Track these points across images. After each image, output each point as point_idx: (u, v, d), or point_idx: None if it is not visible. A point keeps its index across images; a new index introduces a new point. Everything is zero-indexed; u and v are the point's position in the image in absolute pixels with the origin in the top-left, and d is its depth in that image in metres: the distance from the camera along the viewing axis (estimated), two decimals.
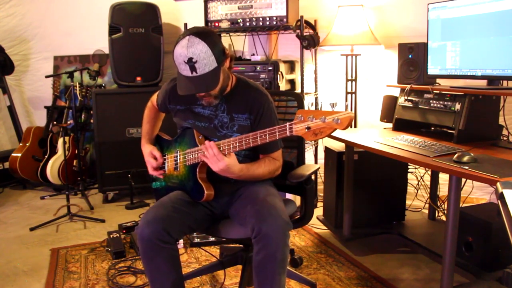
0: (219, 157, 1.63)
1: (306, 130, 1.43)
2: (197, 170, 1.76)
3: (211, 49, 1.60)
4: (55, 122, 4.00)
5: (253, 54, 3.55)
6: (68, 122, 3.76)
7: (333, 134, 2.49)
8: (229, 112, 1.80)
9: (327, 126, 1.40)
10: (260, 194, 1.71)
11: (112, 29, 3.57)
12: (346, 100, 3.30)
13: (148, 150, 1.94)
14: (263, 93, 1.83)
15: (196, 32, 1.62)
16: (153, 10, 3.63)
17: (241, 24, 3.19)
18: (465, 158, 1.80)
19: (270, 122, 1.77)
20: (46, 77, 3.74)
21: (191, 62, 1.59)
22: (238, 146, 1.63)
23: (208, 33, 1.64)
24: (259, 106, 1.78)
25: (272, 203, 1.64)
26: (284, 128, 1.50)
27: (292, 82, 3.39)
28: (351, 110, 3.31)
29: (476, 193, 2.89)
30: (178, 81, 1.68)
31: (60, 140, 3.78)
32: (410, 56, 2.63)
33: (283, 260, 1.57)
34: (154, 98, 2.06)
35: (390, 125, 2.70)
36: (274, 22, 3.09)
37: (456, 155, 1.84)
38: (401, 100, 2.61)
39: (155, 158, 1.93)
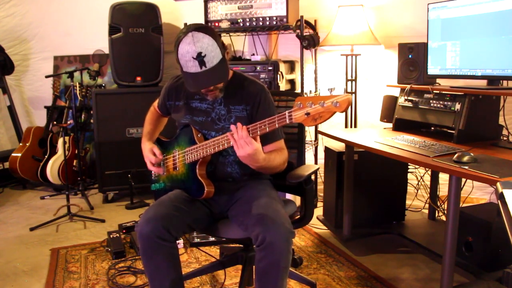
0: (247, 140, 1.53)
1: (306, 116, 1.43)
2: (197, 167, 1.77)
3: (215, 41, 1.62)
4: (55, 122, 4.01)
5: (253, 54, 3.54)
6: (68, 122, 3.76)
7: (333, 134, 2.54)
8: (226, 104, 1.81)
9: (326, 110, 1.39)
10: (261, 199, 1.70)
11: (112, 29, 3.56)
12: None
13: (149, 147, 1.93)
14: (258, 84, 1.84)
15: (196, 28, 1.63)
16: (153, 10, 3.63)
17: (241, 24, 3.19)
18: (465, 158, 1.80)
19: (269, 112, 1.77)
20: (46, 77, 3.75)
21: (200, 57, 1.59)
22: None
23: (207, 27, 1.67)
24: (255, 96, 1.79)
25: (275, 209, 1.63)
26: (283, 116, 1.49)
27: (292, 82, 3.39)
28: (352, 109, 3.31)
29: (476, 193, 2.89)
30: (186, 80, 1.67)
31: (60, 140, 3.79)
32: (410, 56, 2.62)
33: (286, 266, 1.58)
34: (155, 102, 2.07)
35: (390, 125, 2.70)
36: (274, 22, 3.09)
37: (456, 155, 1.84)
38: (401, 100, 2.61)
39: (155, 155, 1.92)
